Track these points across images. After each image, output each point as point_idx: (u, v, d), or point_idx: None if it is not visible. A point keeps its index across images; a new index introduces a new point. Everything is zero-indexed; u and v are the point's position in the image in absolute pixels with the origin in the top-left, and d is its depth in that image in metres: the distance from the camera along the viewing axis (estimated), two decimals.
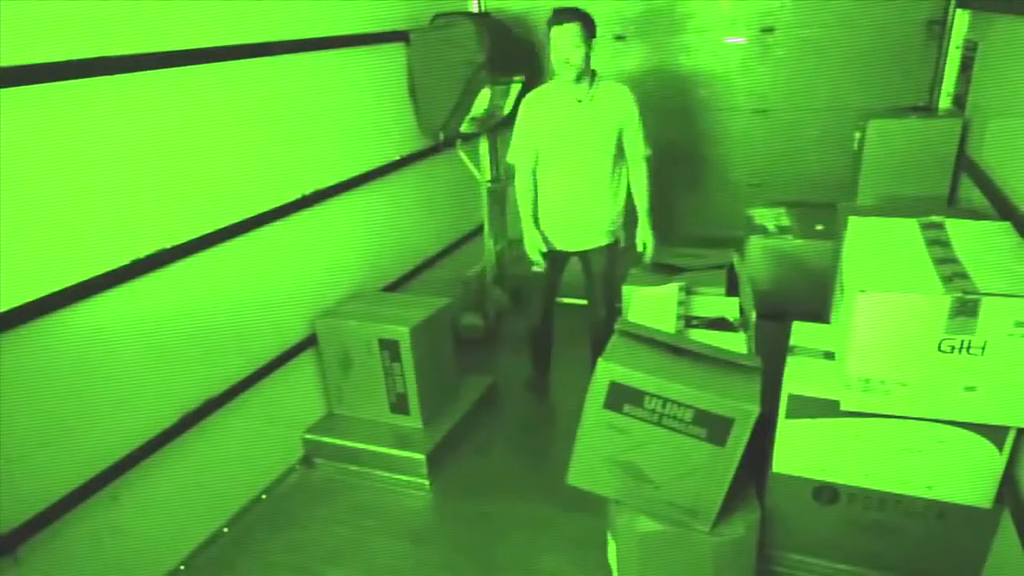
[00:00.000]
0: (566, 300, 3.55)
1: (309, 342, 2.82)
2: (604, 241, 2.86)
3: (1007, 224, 1.94)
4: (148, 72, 2.03)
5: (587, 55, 2.57)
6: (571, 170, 2.75)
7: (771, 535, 2.10)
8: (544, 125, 2.72)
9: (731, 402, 1.71)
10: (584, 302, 3.17)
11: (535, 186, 2.82)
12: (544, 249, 2.85)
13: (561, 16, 2.54)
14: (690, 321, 2.24)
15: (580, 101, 2.66)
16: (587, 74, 2.64)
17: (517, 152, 2.81)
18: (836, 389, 1.86)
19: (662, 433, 1.79)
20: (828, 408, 1.89)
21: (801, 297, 2.65)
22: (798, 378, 1.94)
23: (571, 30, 2.51)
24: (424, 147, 3.43)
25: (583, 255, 2.94)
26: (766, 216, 2.96)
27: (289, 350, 2.72)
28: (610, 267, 2.95)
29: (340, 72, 2.87)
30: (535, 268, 2.94)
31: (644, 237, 2.85)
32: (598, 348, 3.15)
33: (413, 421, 2.84)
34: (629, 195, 2.85)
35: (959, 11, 2.82)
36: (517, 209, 2.92)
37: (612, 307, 3.03)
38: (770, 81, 3.40)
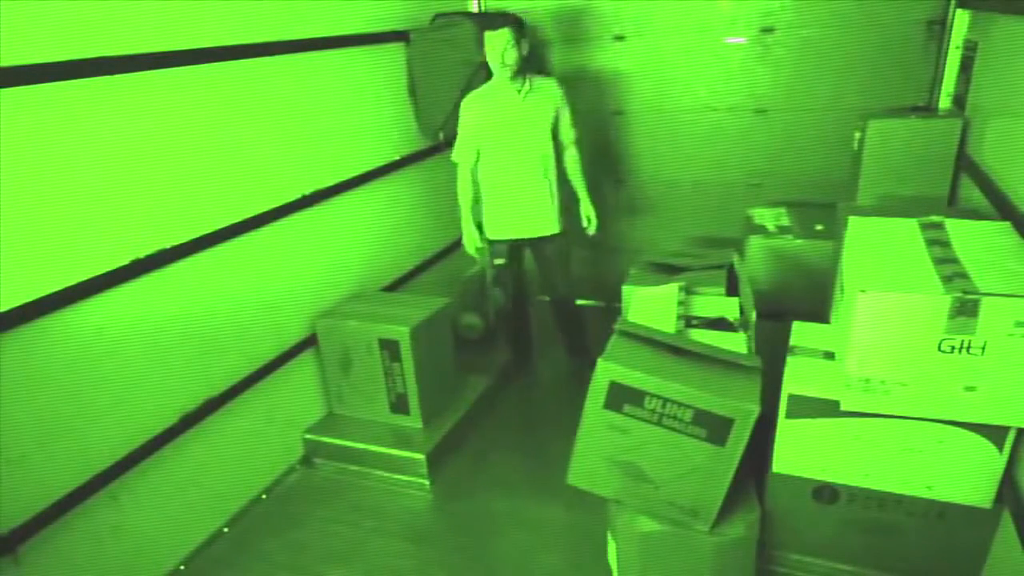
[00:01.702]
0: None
1: (309, 342, 2.82)
2: (555, 229, 3.04)
3: (1007, 224, 1.93)
4: (148, 72, 2.04)
5: (520, 54, 2.80)
6: (518, 158, 2.94)
7: (771, 535, 2.10)
8: (487, 122, 2.91)
9: (731, 402, 1.71)
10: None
11: (474, 184, 3.02)
12: (479, 244, 3.07)
13: (493, 22, 2.77)
14: (690, 321, 2.23)
15: (519, 94, 2.87)
16: (522, 71, 2.86)
17: (461, 151, 2.98)
18: (836, 389, 1.86)
19: (662, 433, 1.79)
20: (828, 408, 1.89)
21: (801, 297, 2.65)
22: (798, 378, 1.94)
23: (503, 35, 2.74)
24: (424, 147, 3.44)
25: (537, 244, 3.09)
26: (766, 216, 2.96)
27: (289, 350, 2.72)
28: (564, 252, 3.15)
29: (340, 72, 2.88)
30: (497, 262, 3.11)
31: (587, 211, 3.08)
32: (568, 327, 3.33)
33: (413, 421, 2.84)
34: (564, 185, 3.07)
35: (959, 11, 2.82)
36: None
37: (573, 287, 3.28)
38: (770, 81, 3.39)
